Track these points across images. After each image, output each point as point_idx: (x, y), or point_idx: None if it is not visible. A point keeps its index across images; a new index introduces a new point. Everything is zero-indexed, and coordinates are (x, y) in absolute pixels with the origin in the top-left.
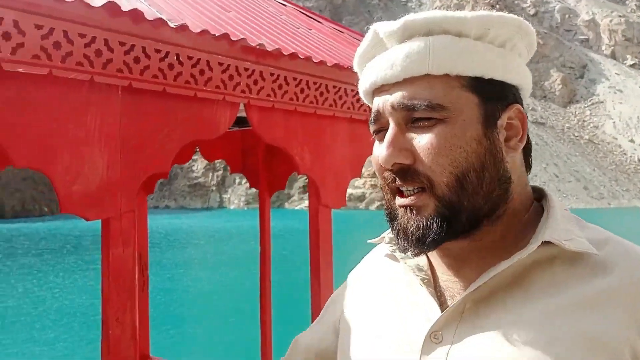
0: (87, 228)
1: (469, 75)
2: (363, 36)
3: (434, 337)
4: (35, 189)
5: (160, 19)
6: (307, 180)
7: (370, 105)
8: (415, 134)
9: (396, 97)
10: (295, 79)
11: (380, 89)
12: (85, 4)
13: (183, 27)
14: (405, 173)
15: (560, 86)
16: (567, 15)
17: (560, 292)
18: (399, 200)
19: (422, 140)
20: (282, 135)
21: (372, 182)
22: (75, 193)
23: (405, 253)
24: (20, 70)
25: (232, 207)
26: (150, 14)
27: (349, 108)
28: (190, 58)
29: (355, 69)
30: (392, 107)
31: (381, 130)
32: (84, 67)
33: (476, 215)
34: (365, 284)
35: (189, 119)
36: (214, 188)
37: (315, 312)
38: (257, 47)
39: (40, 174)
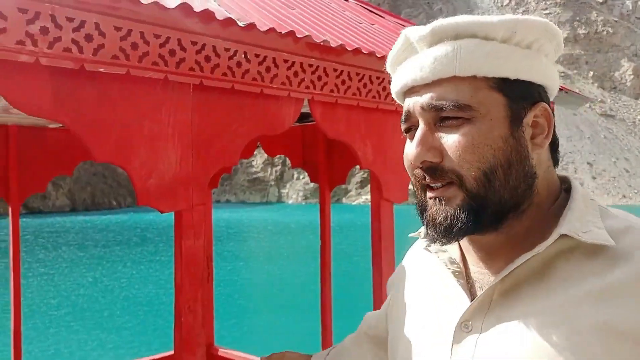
0: (151, 221)
1: (495, 76)
2: None
3: (464, 327)
4: (104, 183)
5: (230, 18)
6: (364, 175)
7: (402, 105)
8: (443, 133)
9: (425, 98)
10: (358, 74)
11: (410, 90)
12: (160, 6)
13: (251, 26)
14: (434, 171)
15: (632, 77)
16: (639, 2)
17: (578, 283)
18: (429, 194)
19: (450, 139)
20: (345, 130)
21: None
22: (150, 186)
23: (434, 243)
24: (101, 70)
25: (290, 201)
26: (220, 13)
27: None
28: (257, 56)
29: (388, 71)
30: (422, 107)
31: (411, 129)
32: (158, 66)
33: (502, 209)
34: (408, 278)
35: (256, 115)
36: (272, 183)
37: (377, 306)
38: (322, 43)
39: (110, 170)
